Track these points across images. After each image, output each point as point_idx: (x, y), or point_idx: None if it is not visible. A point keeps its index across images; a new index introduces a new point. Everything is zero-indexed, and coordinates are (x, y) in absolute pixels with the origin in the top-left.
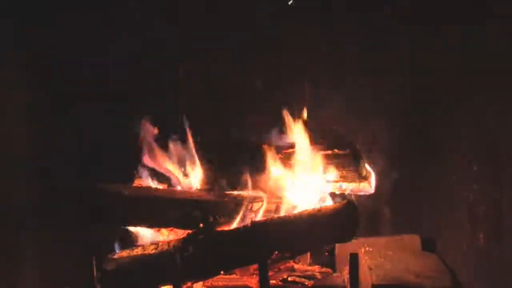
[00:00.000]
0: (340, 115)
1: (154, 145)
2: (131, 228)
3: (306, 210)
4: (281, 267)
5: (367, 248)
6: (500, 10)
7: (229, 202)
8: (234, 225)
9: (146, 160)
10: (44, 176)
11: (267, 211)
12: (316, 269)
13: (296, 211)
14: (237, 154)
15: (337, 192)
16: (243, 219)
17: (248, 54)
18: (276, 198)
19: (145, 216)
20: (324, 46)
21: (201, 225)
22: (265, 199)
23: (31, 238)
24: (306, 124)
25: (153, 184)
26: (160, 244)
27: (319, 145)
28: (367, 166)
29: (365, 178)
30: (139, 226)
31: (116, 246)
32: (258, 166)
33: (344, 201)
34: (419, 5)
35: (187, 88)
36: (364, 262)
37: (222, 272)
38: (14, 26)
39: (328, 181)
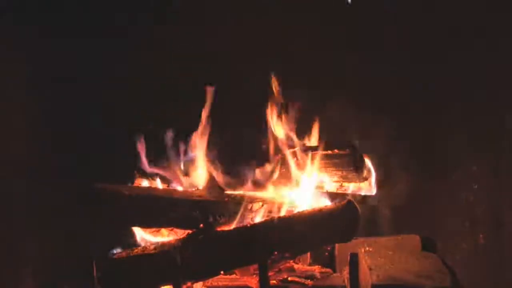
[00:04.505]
0: (341, 116)
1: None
2: (131, 228)
3: (306, 210)
4: (281, 267)
5: (367, 248)
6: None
7: (229, 202)
8: (234, 225)
9: (146, 160)
10: (44, 176)
11: (267, 211)
12: (316, 269)
13: (296, 211)
14: (238, 154)
15: (338, 192)
16: (243, 219)
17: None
18: (276, 198)
19: (145, 216)
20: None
21: (201, 225)
22: (265, 199)
23: (31, 238)
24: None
25: (153, 184)
26: (160, 244)
27: (319, 145)
28: (368, 166)
29: (365, 178)
30: (139, 226)
31: (116, 246)
32: (258, 166)
33: (344, 201)
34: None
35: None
36: (364, 262)
37: (222, 272)
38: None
39: (328, 181)
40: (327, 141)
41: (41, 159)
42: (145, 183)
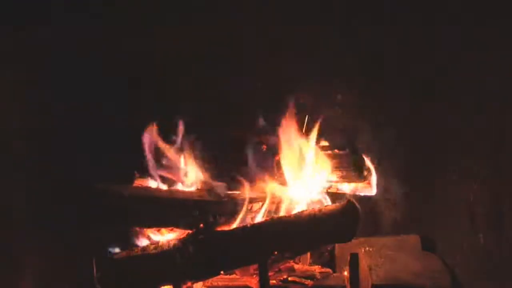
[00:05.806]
0: (341, 115)
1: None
2: (132, 228)
3: (306, 210)
4: (281, 267)
5: (367, 248)
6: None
7: (229, 202)
8: (234, 225)
9: (147, 160)
10: (44, 176)
11: (267, 211)
12: (316, 269)
13: (296, 211)
14: (237, 154)
15: (338, 192)
16: (243, 219)
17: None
18: (276, 198)
19: (145, 216)
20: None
21: (201, 225)
22: (265, 199)
23: (31, 238)
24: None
25: (153, 184)
26: (160, 244)
27: (320, 145)
28: (368, 166)
29: (365, 178)
30: (139, 226)
31: (116, 246)
32: (258, 166)
33: (344, 201)
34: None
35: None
36: (364, 262)
37: (222, 272)
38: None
39: (328, 181)
40: (327, 141)
41: (41, 159)
42: (145, 183)
